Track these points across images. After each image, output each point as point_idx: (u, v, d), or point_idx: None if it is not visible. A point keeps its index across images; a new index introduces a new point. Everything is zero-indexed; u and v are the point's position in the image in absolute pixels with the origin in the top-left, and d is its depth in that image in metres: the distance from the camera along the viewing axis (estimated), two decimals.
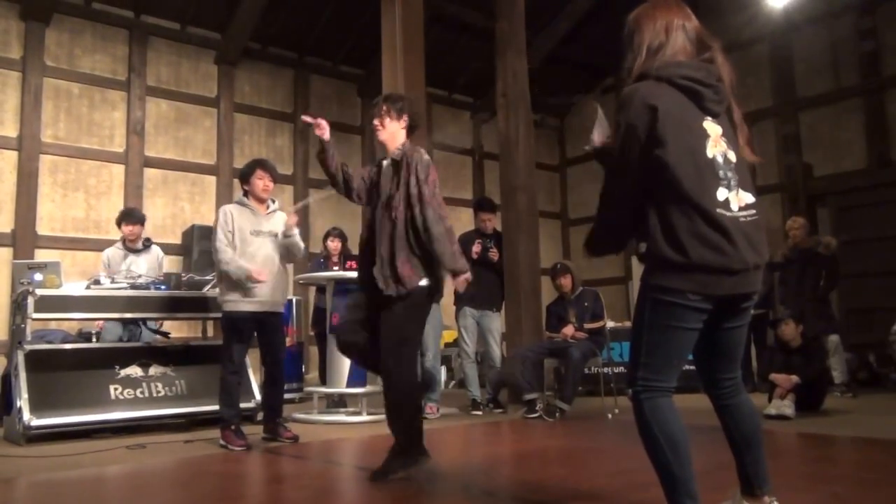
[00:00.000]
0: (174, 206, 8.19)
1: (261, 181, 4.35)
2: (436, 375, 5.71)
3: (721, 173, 1.89)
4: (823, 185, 8.83)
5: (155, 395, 4.84)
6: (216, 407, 4.27)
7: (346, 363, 5.35)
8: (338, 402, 5.84)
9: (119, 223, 5.81)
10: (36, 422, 4.29)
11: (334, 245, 6.26)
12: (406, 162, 3.22)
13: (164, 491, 3.11)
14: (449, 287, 3.39)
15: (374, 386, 5.29)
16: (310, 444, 4.27)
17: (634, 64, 2.00)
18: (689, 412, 2.08)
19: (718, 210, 1.84)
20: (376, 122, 3.35)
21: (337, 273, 5.59)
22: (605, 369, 6.12)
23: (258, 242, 4.27)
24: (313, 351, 7.42)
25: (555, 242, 11.57)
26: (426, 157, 3.27)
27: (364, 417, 5.23)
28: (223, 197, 8.17)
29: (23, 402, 4.33)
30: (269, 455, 3.94)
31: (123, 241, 5.78)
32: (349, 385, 5.35)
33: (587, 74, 10.99)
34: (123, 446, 4.10)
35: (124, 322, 5.57)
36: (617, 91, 10.03)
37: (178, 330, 7.02)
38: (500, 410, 5.76)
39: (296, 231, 4.38)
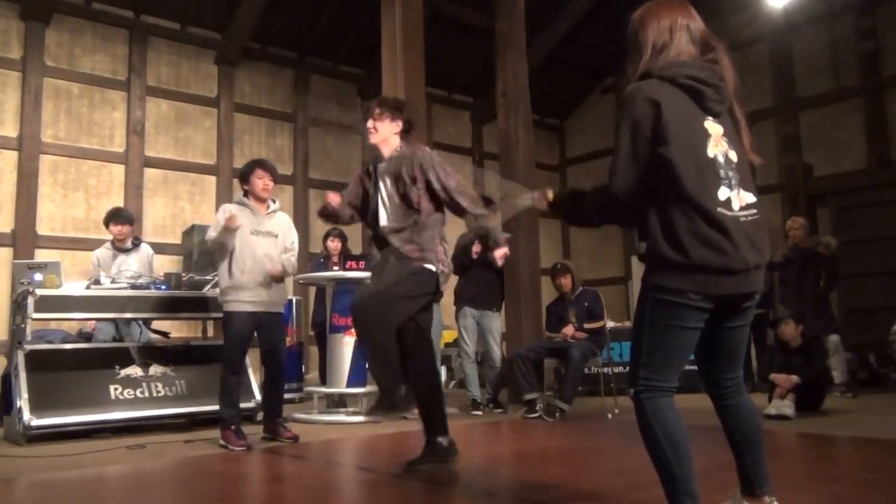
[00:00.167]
0: (174, 206, 8.19)
1: (260, 181, 4.35)
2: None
3: (722, 173, 1.89)
4: (823, 185, 8.83)
5: (155, 395, 4.84)
6: (216, 407, 4.27)
7: (346, 363, 5.35)
8: (338, 402, 5.84)
9: (107, 224, 5.78)
10: (36, 422, 4.29)
11: (334, 245, 6.26)
12: (412, 164, 3.22)
13: (164, 491, 3.11)
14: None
15: (373, 386, 5.29)
16: (310, 444, 4.26)
17: (638, 62, 1.99)
18: (690, 412, 2.08)
19: (719, 210, 1.84)
20: (370, 124, 3.33)
21: (337, 273, 5.59)
22: (605, 369, 6.12)
23: (258, 242, 4.27)
24: (313, 351, 7.42)
25: (555, 242, 11.57)
26: (431, 153, 3.28)
27: (364, 417, 5.23)
28: (223, 197, 8.17)
29: (23, 402, 4.32)
30: (269, 455, 3.94)
31: (112, 241, 5.77)
32: (349, 385, 5.35)
33: (587, 74, 11.00)
34: (123, 446, 4.10)
35: (117, 322, 5.56)
36: (617, 91, 10.04)
37: (178, 330, 7.03)
38: (500, 410, 5.76)
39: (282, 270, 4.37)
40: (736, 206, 1.88)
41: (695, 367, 2.10)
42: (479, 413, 5.69)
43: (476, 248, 5.86)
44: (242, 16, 8.25)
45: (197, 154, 8.41)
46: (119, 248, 5.73)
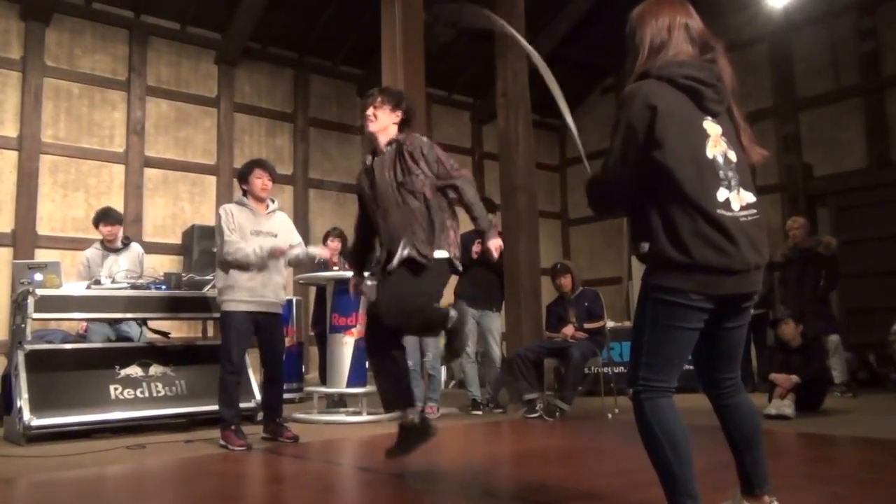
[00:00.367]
0: (174, 206, 8.19)
1: (259, 180, 4.35)
2: (437, 375, 5.71)
3: (721, 173, 1.89)
4: (823, 185, 8.82)
5: (155, 395, 4.84)
6: (216, 407, 4.26)
7: (346, 363, 5.35)
8: (338, 402, 5.84)
9: (96, 224, 5.75)
10: (36, 422, 4.29)
11: (334, 245, 6.26)
12: (409, 151, 3.16)
13: (164, 491, 3.11)
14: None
15: (373, 386, 5.29)
16: (310, 444, 4.26)
17: (636, 62, 1.99)
18: (689, 412, 2.08)
19: (719, 211, 1.84)
20: (369, 112, 3.28)
21: (337, 273, 5.59)
22: (605, 369, 6.13)
23: (258, 242, 4.27)
24: (313, 351, 7.42)
25: (555, 242, 11.57)
26: (424, 139, 3.25)
27: (364, 417, 5.23)
28: (223, 197, 8.17)
29: (23, 402, 4.32)
30: (269, 455, 3.94)
31: (102, 241, 5.75)
32: (349, 385, 5.35)
33: (587, 74, 10.99)
34: (123, 446, 4.10)
35: (111, 322, 5.55)
36: (617, 91, 10.05)
37: (178, 330, 7.02)
38: (500, 410, 5.76)
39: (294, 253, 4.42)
40: (736, 206, 1.88)
41: (693, 367, 2.10)
42: (479, 413, 5.69)
43: (476, 247, 5.85)
44: (242, 16, 8.25)
45: (197, 154, 8.41)
46: (109, 248, 5.72)
